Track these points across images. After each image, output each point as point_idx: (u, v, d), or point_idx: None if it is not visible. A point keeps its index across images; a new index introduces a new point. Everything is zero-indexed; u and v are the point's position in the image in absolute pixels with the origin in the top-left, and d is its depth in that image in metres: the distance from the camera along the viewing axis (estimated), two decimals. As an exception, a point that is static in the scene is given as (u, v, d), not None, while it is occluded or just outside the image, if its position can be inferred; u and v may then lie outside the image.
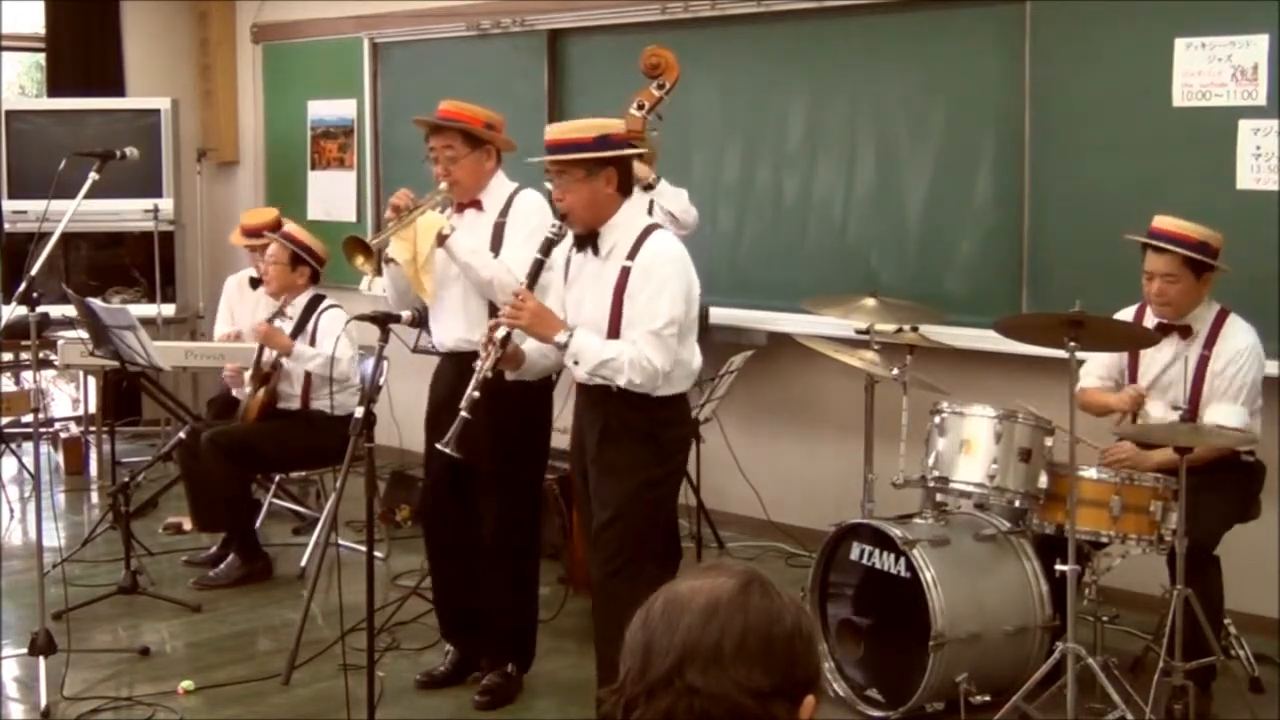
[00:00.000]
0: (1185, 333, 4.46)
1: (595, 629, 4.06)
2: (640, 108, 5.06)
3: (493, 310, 4.19)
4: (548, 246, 3.94)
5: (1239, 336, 4.42)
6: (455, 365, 4.36)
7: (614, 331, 3.84)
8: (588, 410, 4.00)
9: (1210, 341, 4.43)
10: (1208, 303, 4.47)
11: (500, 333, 3.90)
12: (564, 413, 4.43)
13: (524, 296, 3.88)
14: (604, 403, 3.90)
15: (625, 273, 3.83)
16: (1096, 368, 4.68)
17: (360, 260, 4.19)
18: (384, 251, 4.36)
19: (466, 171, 4.35)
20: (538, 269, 3.94)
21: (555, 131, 3.93)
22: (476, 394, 3.89)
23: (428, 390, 4.56)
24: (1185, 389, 4.41)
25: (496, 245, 4.31)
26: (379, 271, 4.42)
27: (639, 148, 5.10)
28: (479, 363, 3.95)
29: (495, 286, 4.18)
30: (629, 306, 3.82)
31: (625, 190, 3.93)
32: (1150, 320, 4.54)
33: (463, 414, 3.89)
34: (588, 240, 3.91)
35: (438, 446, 3.97)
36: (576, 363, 3.84)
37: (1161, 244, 4.40)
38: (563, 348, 3.84)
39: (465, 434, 3.90)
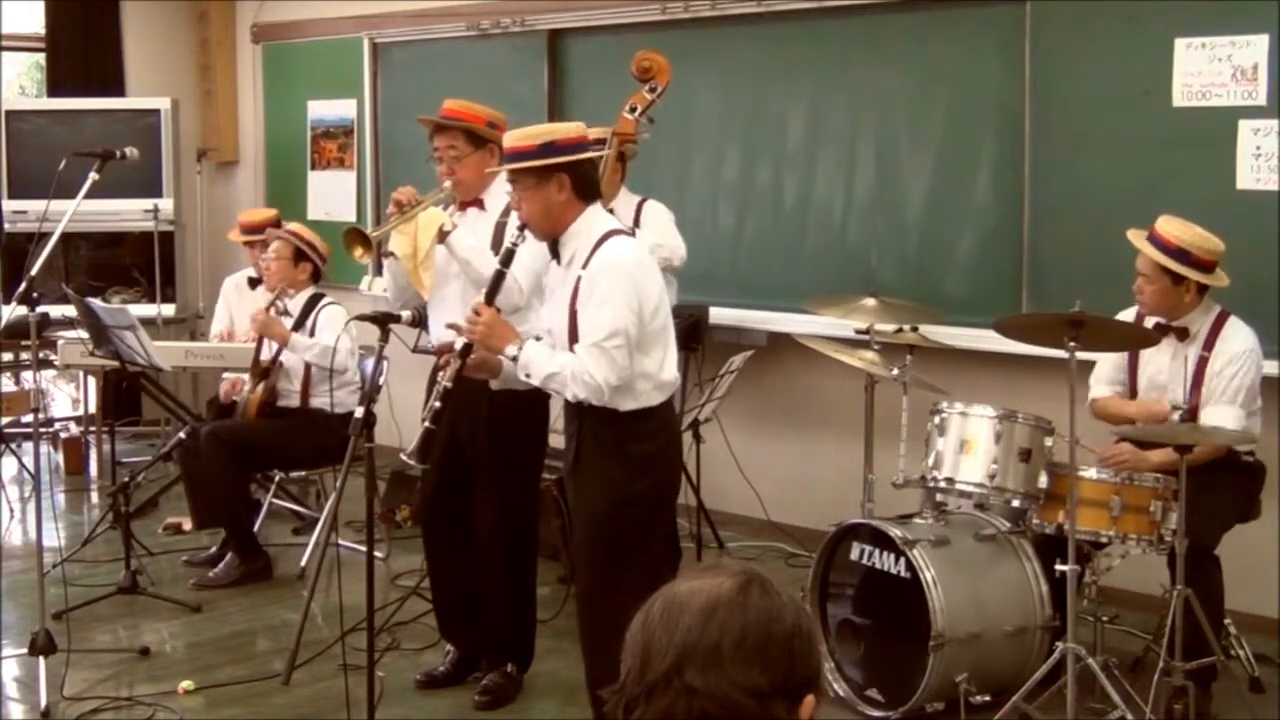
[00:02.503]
0: (1182, 335, 4.46)
1: (583, 648, 4.02)
2: (633, 110, 5.07)
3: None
4: (508, 257, 3.90)
5: (1238, 339, 4.42)
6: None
7: (574, 338, 3.75)
8: (567, 424, 3.94)
9: (1209, 343, 4.44)
10: (1206, 305, 4.47)
11: (459, 344, 3.88)
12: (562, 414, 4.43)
13: (480, 309, 3.84)
14: (579, 417, 3.83)
15: (579, 282, 3.74)
16: (1105, 373, 4.67)
17: (359, 252, 4.19)
18: (384, 245, 4.36)
19: (470, 170, 4.35)
20: (498, 280, 3.90)
21: (508, 139, 3.84)
22: (439, 404, 3.88)
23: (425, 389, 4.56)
24: (1185, 389, 4.41)
25: (497, 244, 4.30)
26: (379, 267, 4.43)
27: (626, 150, 5.09)
28: (441, 374, 3.93)
29: None
30: (580, 317, 3.73)
31: (585, 196, 3.78)
32: (1149, 322, 4.55)
33: (425, 424, 3.87)
34: (554, 249, 3.84)
35: (401, 456, 3.96)
36: (528, 375, 3.78)
37: (1144, 243, 4.41)
38: (514, 360, 3.78)
39: (428, 444, 3.89)
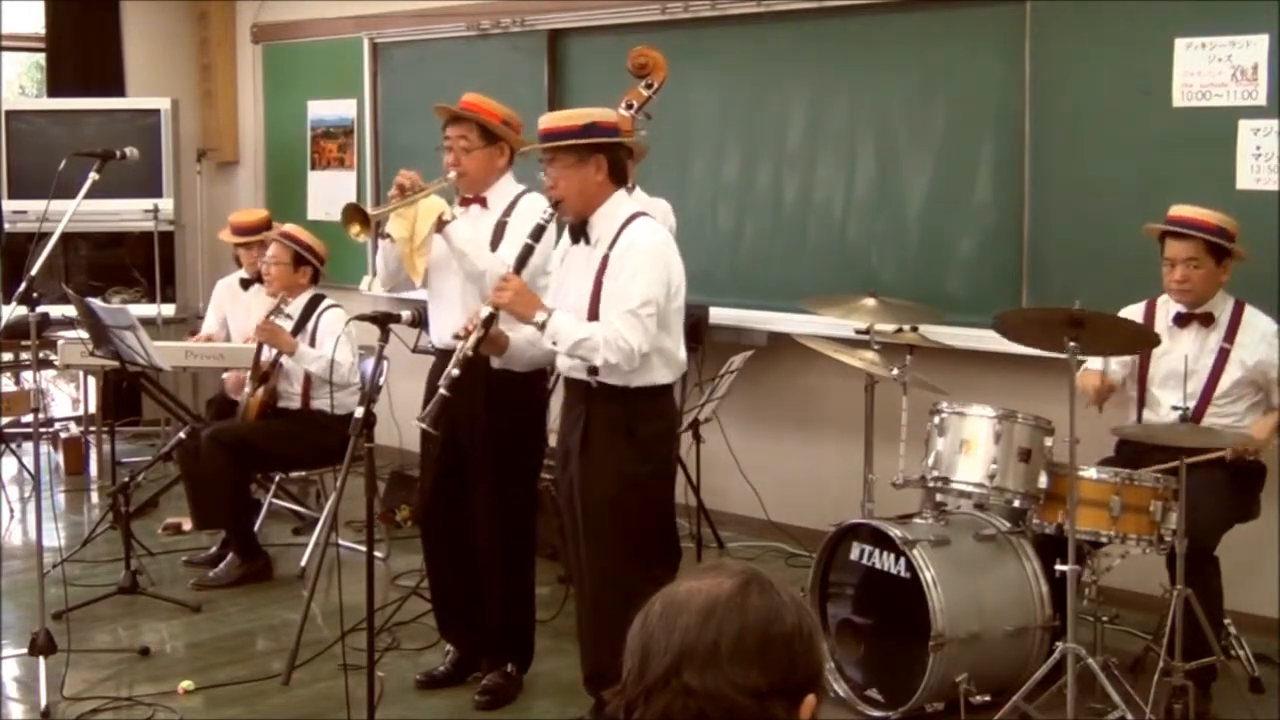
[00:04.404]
0: (1207, 320, 4.49)
1: (588, 636, 4.03)
2: (629, 107, 5.07)
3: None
4: (538, 232, 3.97)
5: (1262, 321, 4.50)
6: (449, 362, 4.36)
7: (593, 316, 3.87)
8: (571, 408, 4.03)
9: (1231, 334, 4.47)
10: (1224, 294, 4.50)
11: (485, 312, 3.91)
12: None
13: (509, 277, 3.91)
14: (585, 399, 3.94)
15: (605, 260, 3.89)
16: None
17: (356, 229, 4.19)
18: (381, 226, 4.37)
19: (477, 164, 4.37)
20: (527, 253, 3.96)
21: (547, 120, 3.99)
22: (457, 372, 3.89)
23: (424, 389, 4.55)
24: (1190, 379, 4.38)
25: (496, 244, 4.32)
26: (375, 245, 4.45)
27: (633, 149, 5.10)
28: (461, 342, 3.95)
29: (488, 279, 4.16)
30: (607, 291, 3.86)
31: (616, 179, 3.97)
32: (1162, 314, 4.56)
33: (442, 392, 3.88)
34: (579, 230, 3.96)
35: (415, 420, 3.98)
36: (555, 343, 3.87)
37: (1183, 230, 4.43)
38: (541, 327, 3.86)
39: (443, 412, 3.89)
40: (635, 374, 3.85)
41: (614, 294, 3.84)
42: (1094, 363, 4.67)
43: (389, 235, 4.38)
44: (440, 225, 4.28)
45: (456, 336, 3.99)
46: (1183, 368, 4.39)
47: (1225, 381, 4.47)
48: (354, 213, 4.20)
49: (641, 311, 3.80)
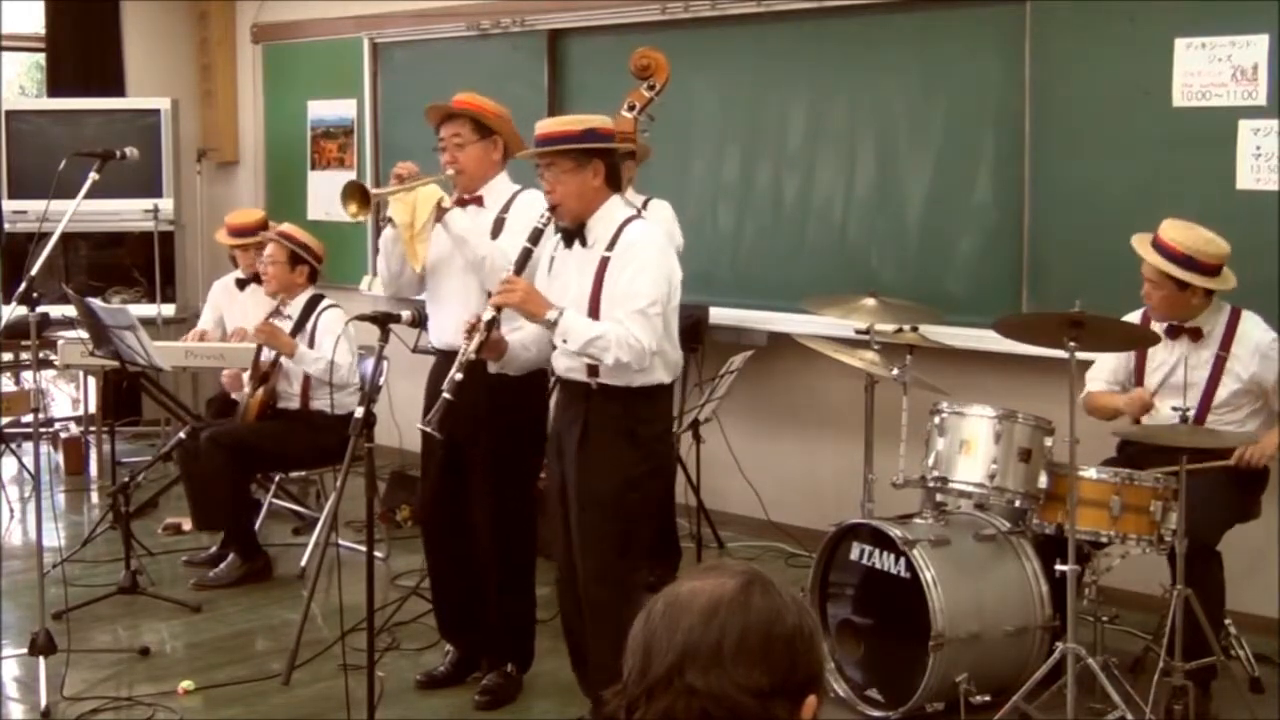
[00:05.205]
0: (1195, 335, 4.47)
1: (586, 635, 4.04)
2: (631, 109, 5.07)
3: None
4: (536, 236, 3.98)
5: (1258, 332, 4.46)
6: (450, 362, 4.36)
7: (593, 317, 3.88)
8: (568, 408, 4.03)
9: (1226, 342, 4.45)
10: (1217, 305, 4.48)
11: (488, 314, 3.92)
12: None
13: (513, 279, 3.92)
14: (584, 399, 3.94)
15: (604, 262, 3.89)
16: (1103, 371, 4.68)
17: (354, 208, 4.18)
18: (382, 210, 4.37)
19: (473, 160, 4.37)
20: (526, 256, 3.97)
21: (545, 125, 4.01)
22: (460, 376, 3.89)
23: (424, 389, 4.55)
24: (1187, 390, 4.40)
25: (494, 238, 4.32)
26: (377, 231, 4.46)
27: (638, 151, 5.11)
28: (463, 345, 3.96)
29: (488, 266, 4.18)
30: (608, 292, 3.86)
31: (613, 185, 3.99)
32: (1157, 323, 4.55)
33: (445, 396, 3.89)
34: (574, 234, 3.96)
35: (419, 426, 3.98)
36: (565, 341, 3.86)
37: (1148, 250, 4.41)
38: (552, 326, 3.86)
39: (448, 416, 3.90)
40: (637, 373, 3.86)
41: (618, 294, 3.84)
42: (1094, 383, 4.68)
43: (390, 220, 4.39)
44: (440, 213, 4.28)
45: (470, 331, 3.98)
46: (1175, 377, 4.41)
47: (1223, 392, 4.45)
48: (354, 190, 4.21)
49: (650, 311, 3.81)
